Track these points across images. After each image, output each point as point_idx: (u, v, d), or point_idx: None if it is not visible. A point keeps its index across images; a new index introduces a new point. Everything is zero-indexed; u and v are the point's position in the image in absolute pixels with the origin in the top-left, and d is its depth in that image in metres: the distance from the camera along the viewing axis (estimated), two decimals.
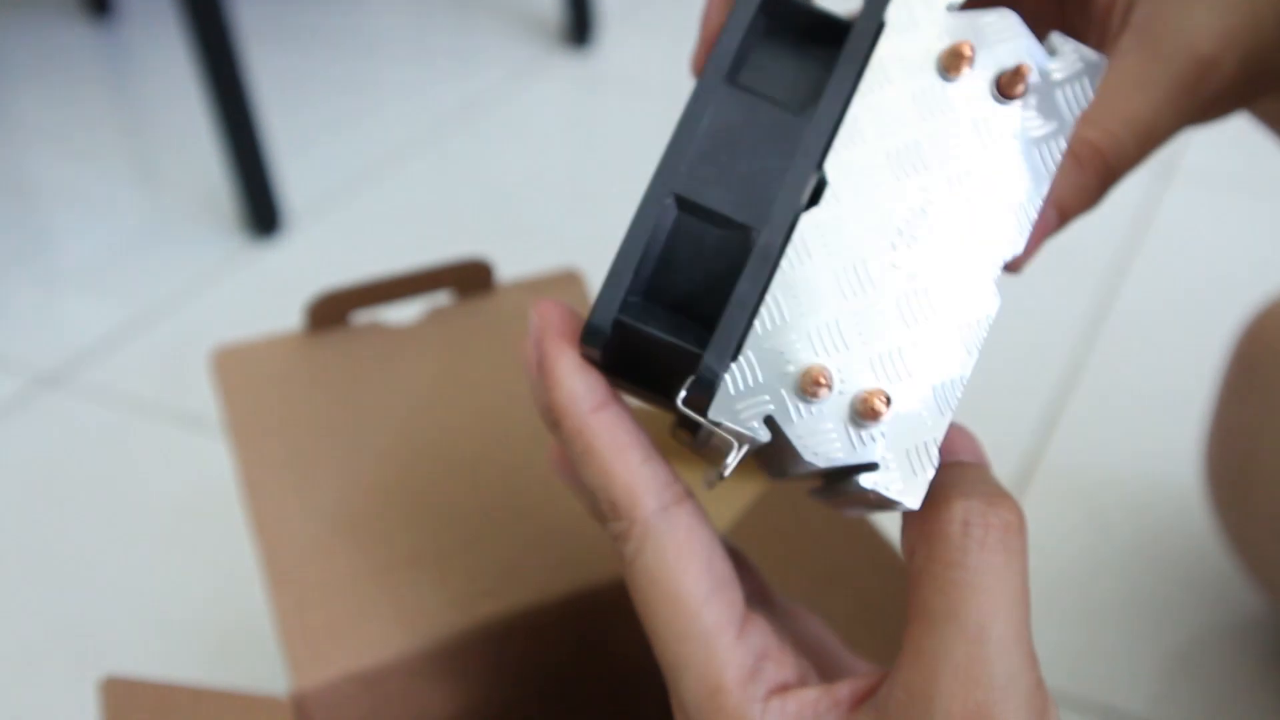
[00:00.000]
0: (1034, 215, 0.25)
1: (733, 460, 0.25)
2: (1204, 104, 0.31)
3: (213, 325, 0.87)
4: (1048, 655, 0.59)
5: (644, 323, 0.25)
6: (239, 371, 0.45)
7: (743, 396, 0.24)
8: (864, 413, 0.24)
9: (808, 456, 0.24)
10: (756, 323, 0.24)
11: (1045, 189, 0.25)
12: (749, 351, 0.24)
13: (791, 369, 0.24)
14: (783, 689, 0.25)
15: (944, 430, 0.24)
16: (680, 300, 0.26)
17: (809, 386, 0.24)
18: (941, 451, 0.26)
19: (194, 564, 0.67)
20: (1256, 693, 0.57)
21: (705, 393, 0.24)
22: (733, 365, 0.24)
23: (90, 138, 1.17)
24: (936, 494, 0.25)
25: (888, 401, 0.24)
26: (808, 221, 0.25)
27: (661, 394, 0.26)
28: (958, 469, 0.26)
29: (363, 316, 0.46)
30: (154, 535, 0.69)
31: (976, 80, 0.25)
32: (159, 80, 1.28)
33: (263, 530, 0.43)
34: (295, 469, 0.44)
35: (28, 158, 1.15)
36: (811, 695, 0.25)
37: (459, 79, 1.23)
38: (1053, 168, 0.25)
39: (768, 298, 0.25)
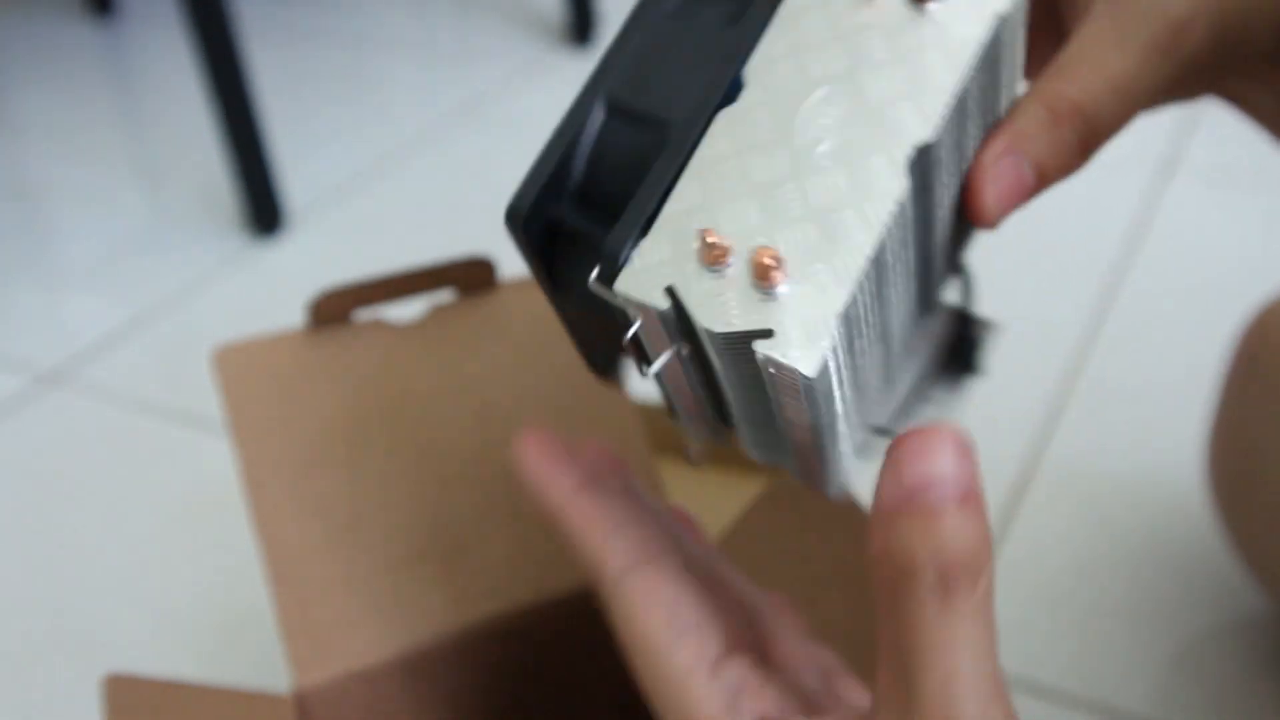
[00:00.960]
0: (947, 101, 0.26)
1: (659, 363, 0.26)
2: (1179, 69, 0.30)
3: (215, 324, 0.87)
4: (1048, 654, 0.59)
5: (566, 216, 0.27)
6: (241, 369, 0.45)
7: (648, 270, 0.25)
8: (759, 274, 0.24)
9: (705, 323, 0.24)
10: (666, 205, 0.26)
11: (960, 78, 0.26)
12: (657, 230, 0.25)
13: (695, 244, 0.25)
14: None
15: (844, 302, 0.24)
16: (609, 199, 0.27)
17: (709, 256, 0.25)
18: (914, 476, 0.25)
19: (196, 562, 0.67)
20: (1259, 691, 0.57)
21: (611, 269, 0.25)
22: (641, 243, 0.25)
23: (92, 137, 1.17)
24: (904, 545, 0.25)
25: (778, 261, 0.24)
26: (722, 116, 0.26)
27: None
28: (931, 523, 0.24)
29: (365, 314, 0.46)
30: (156, 533, 0.70)
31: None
32: (161, 79, 1.28)
33: (264, 528, 0.43)
34: (297, 467, 0.44)
35: (30, 157, 1.16)
36: None
37: (461, 77, 1.23)
38: (970, 60, 0.26)
39: (679, 182, 0.26)
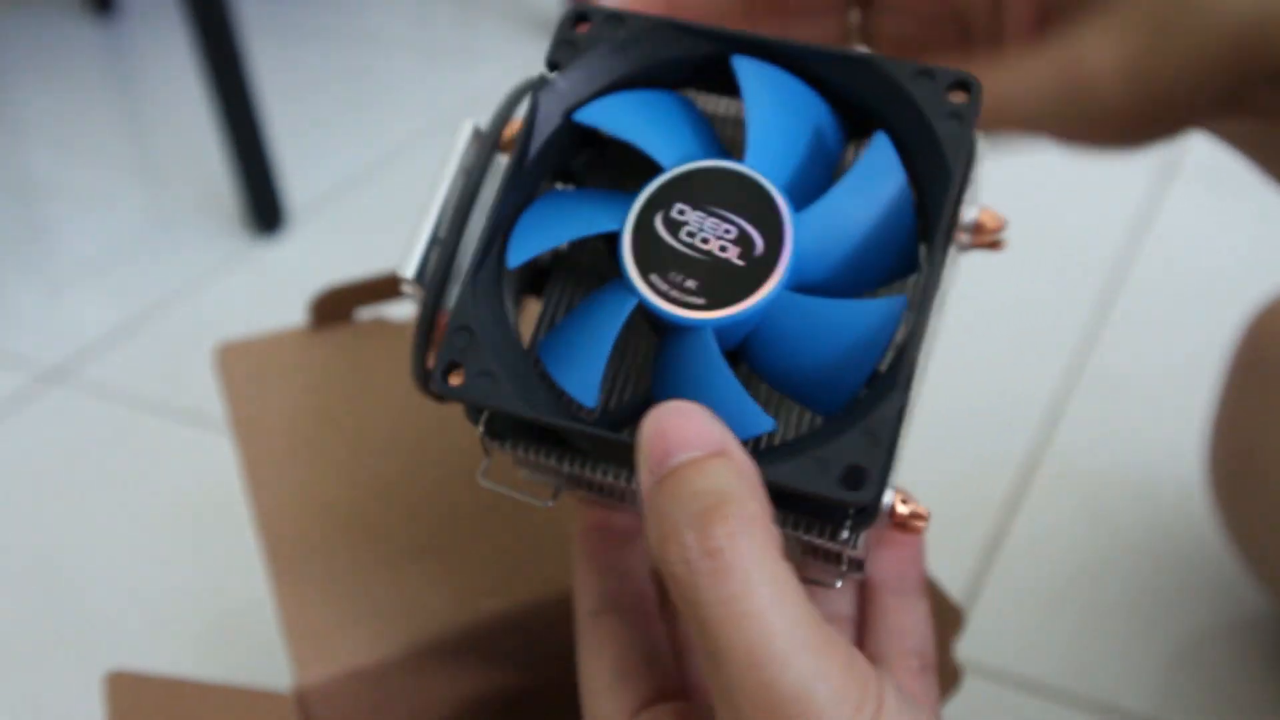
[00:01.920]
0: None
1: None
2: (1089, 116, 0.31)
3: (216, 322, 0.87)
4: (1050, 652, 0.59)
5: None
6: (243, 367, 0.45)
7: None
8: None
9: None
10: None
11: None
12: None
13: None
14: None
15: None
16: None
17: None
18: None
19: (198, 559, 0.67)
20: (1260, 690, 0.57)
21: None
22: None
23: (93, 135, 1.17)
24: (661, 517, 0.23)
25: None
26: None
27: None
28: (675, 485, 0.23)
29: (366, 313, 0.46)
30: (157, 530, 0.70)
31: None
32: (162, 78, 1.28)
33: (266, 526, 0.43)
34: (298, 465, 0.44)
35: (32, 155, 1.16)
36: None
37: (461, 75, 1.23)
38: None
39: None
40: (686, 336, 0.26)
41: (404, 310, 0.46)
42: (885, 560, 0.32)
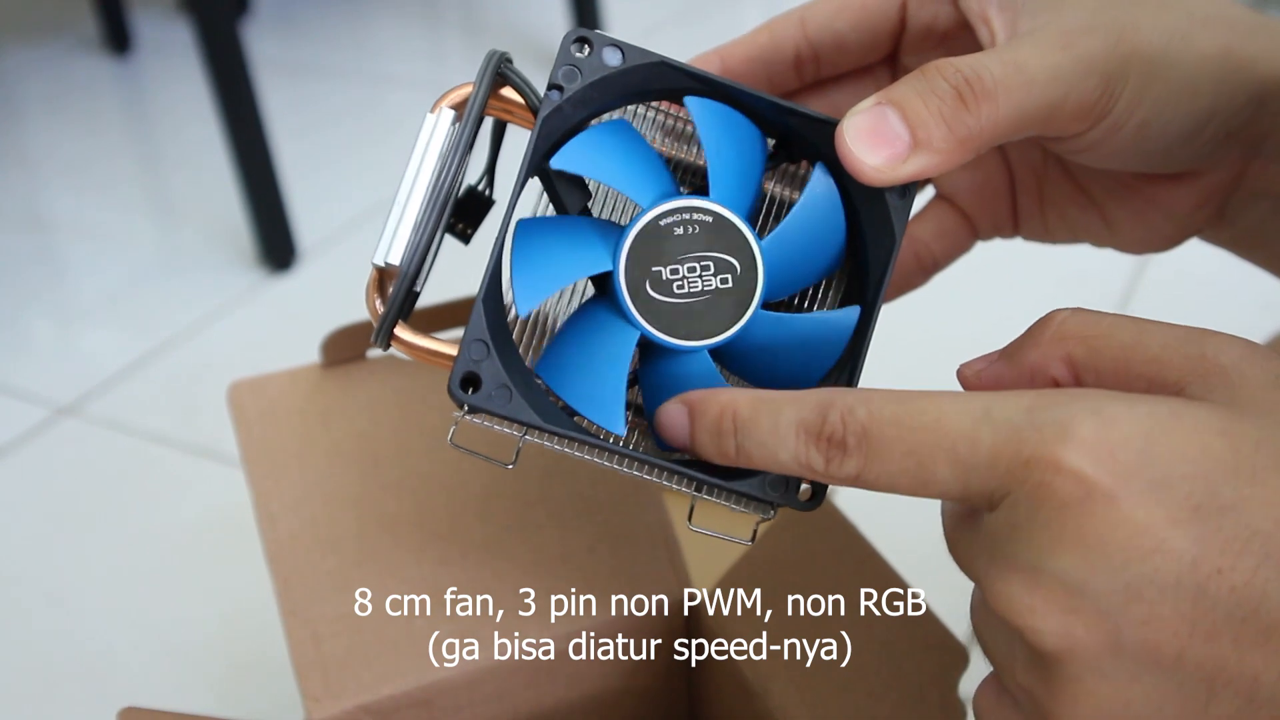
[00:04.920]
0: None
1: None
2: (1082, 66, 0.31)
3: (229, 357, 0.88)
4: None
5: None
6: (256, 404, 0.46)
7: None
8: None
9: None
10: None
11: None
12: None
13: None
14: None
15: None
16: None
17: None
18: None
19: (211, 593, 0.68)
20: None
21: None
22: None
23: (109, 172, 1.19)
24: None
25: None
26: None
27: None
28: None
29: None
30: (171, 564, 0.70)
31: None
32: (176, 116, 1.30)
33: (278, 562, 0.43)
34: (310, 502, 0.44)
35: (47, 191, 1.17)
36: None
37: None
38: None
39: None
40: (685, 355, 0.31)
41: None
42: None
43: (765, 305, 0.32)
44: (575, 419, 0.32)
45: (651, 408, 0.32)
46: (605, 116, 0.33)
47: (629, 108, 0.34)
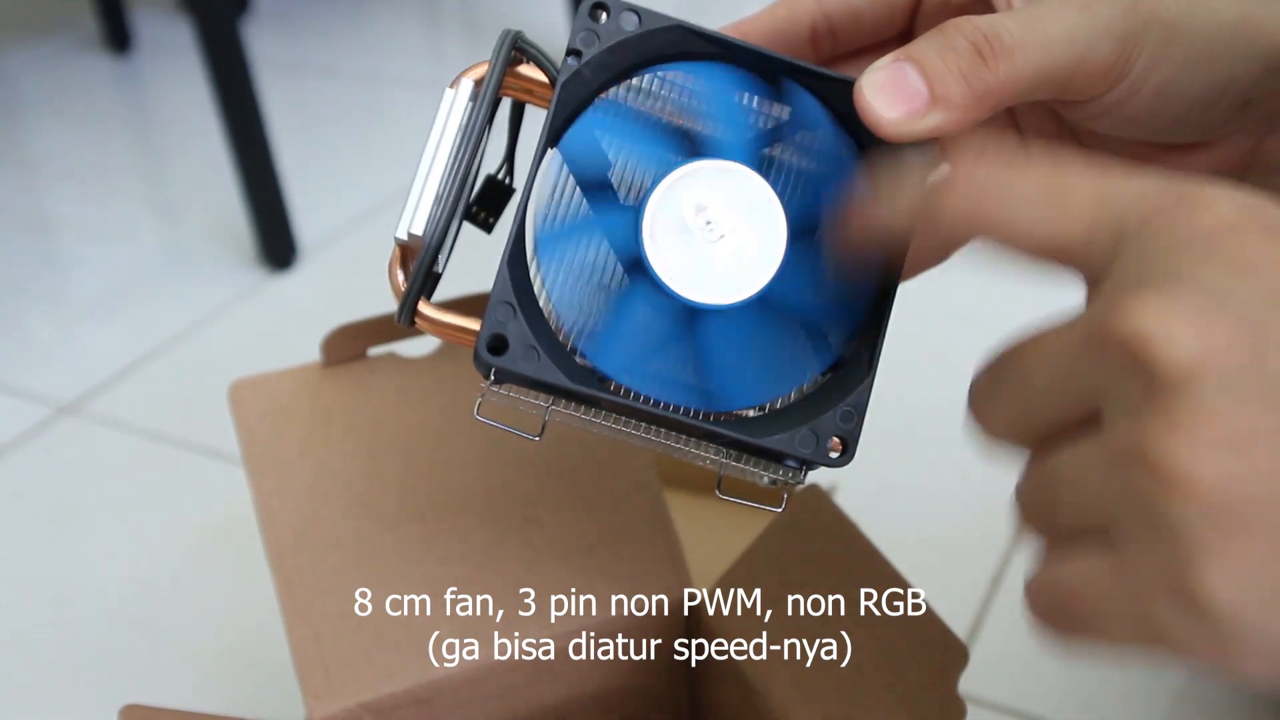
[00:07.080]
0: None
1: None
2: (1101, 27, 0.31)
3: (229, 356, 0.88)
4: (1054, 687, 0.59)
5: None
6: (257, 404, 0.46)
7: None
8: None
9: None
10: None
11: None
12: None
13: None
14: None
15: None
16: None
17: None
18: None
19: (210, 592, 0.68)
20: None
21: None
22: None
23: (109, 171, 1.19)
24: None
25: None
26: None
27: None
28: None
29: (378, 348, 0.47)
30: (172, 563, 0.70)
31: None
32: (177, 114, 1.30)
33: (278, 561, 0.43)
34: (311, 501, 0.44)
35: (48, 190, 1.17)
36: None
37: None
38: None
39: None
40: (730, 312, 0.31)
41: (416, 347, 0.47)
42: None
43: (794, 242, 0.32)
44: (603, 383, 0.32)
45: (711, 368, 0.32)
46: (613, 93, 0.34)
47: (629, 81, 0.34)
